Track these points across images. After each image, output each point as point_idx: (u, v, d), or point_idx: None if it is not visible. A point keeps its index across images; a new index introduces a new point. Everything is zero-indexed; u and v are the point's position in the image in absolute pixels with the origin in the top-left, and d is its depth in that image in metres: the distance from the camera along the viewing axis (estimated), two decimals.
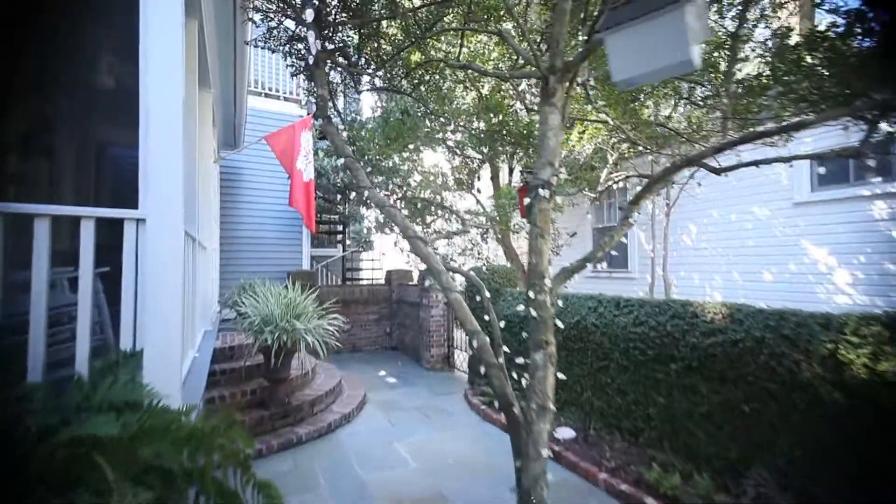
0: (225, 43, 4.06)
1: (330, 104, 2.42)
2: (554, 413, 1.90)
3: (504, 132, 3.75)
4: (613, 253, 8.35)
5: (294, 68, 3.08)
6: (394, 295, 8.69)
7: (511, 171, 9.53)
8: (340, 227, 9.75)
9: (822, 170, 5.49)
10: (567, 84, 1.83)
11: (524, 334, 2.97)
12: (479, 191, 7.23)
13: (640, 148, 3.62)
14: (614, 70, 1.53)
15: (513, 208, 5.10)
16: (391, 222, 1.97)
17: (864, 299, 4.98)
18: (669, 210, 6.54)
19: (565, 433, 3.77)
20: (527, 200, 1.85)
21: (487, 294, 2.42)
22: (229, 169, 7.78)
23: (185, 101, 3.11)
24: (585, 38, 2.20)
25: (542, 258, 1.78)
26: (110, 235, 2.06)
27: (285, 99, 8.44)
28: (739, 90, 2.46)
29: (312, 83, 2.47)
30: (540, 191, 1.74)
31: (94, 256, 1.85)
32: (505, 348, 2.37)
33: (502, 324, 5.13)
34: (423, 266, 8.15)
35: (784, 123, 2.16)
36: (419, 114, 3.94)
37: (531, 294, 1.89)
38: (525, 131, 3.66)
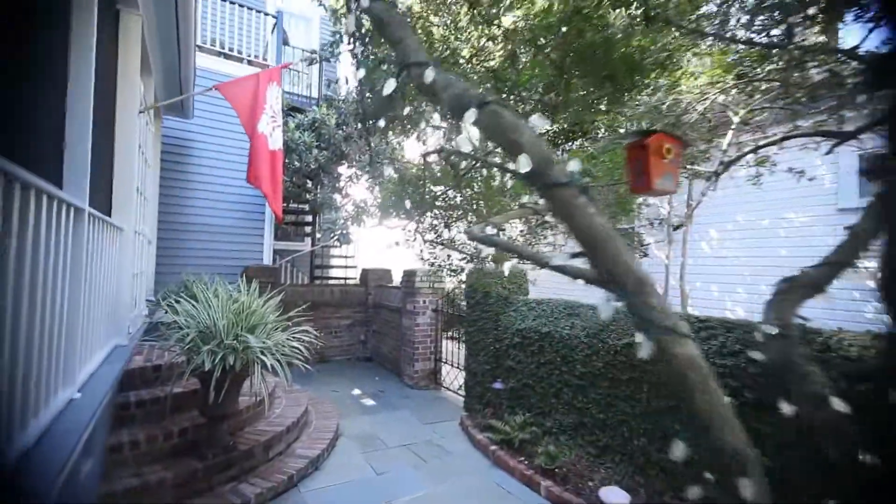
0: None
1: None
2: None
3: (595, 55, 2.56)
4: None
5: None
6: (370, 298, 7.56)
7: None
8: (310, 218, 8.51)
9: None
10: None
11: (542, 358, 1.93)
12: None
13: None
14: None
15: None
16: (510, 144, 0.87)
17: None
18: (691, 212, 5.82)
19: (615, 496, 2.83)
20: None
21: None
22: (175, 139, 6.42)
23: None
24: None
25: None
26: None
27: (249, 63, 7.15)
28: None
29: None
30: None
31: None
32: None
33: (516, 340, 4.18)
34: (409, 265, 7.02)
35: None
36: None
37: None
38: (638, 55, 2.54)
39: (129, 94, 3.13)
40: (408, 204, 4.95)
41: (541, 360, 3.83)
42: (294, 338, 3.21)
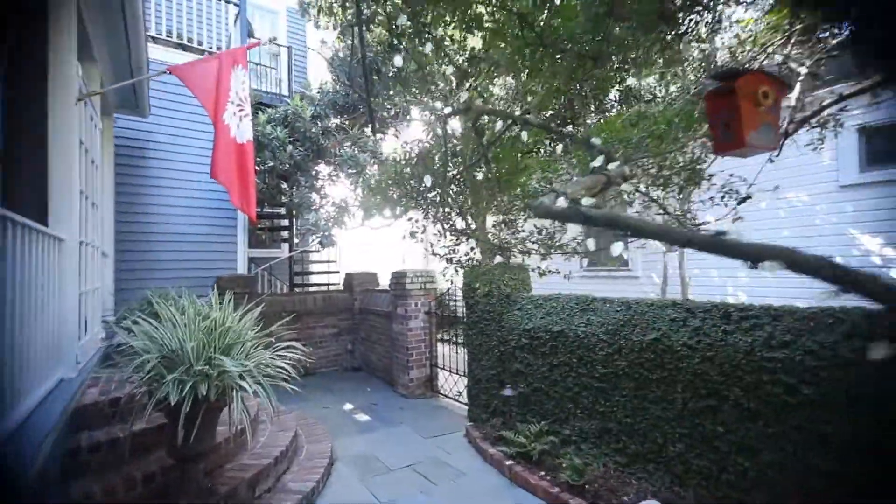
0: None
1: None
2: None
3: None
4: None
5: None
6: (357, 303, 7.11)
7: None
8: (286, 222, 7.98)
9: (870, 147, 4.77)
10: None
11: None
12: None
13: None
14: None
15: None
16: None
17: None
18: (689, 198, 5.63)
19: None
20: None
21: None
22: (131, 140, 5.82)
23: None
24: None
25: None
26: None
27: (210, 54, 6.57)
28: None
29: None
30: None
31: None
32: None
33: (523, 341, 3.84)
34: (394, 267, 6.57)
35: None
36: None
37: None
38: None
39: (61, 78, 2.62)
40: (428, 181, 4.43)
41: (553, 361, 3.51)
42: (278, 356, 2.78)
